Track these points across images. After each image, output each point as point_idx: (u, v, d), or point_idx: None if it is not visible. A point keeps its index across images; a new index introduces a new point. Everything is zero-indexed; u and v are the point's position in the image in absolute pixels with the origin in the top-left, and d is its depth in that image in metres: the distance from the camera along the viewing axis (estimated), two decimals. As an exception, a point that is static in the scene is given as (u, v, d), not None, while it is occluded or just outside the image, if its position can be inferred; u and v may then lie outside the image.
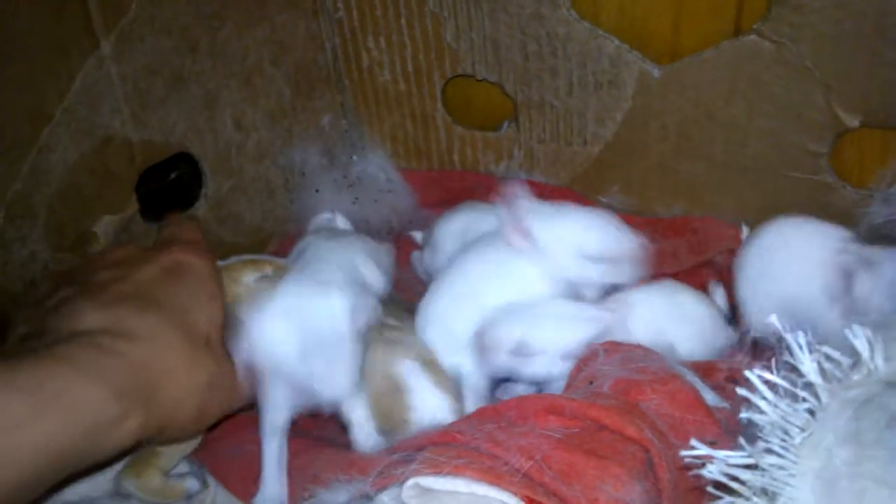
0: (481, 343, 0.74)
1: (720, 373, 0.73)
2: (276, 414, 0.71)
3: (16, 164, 0.74)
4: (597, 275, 0.79)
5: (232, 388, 0.66)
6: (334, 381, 0.68)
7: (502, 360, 0.73)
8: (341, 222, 1.00)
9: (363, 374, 0.72)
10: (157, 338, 0.60)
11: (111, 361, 0.55)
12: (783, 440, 0.46)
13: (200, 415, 0.64)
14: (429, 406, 0.72)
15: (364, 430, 0.73)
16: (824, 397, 0.46)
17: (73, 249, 0.81)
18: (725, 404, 0.68)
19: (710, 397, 0.67)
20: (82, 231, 0.82)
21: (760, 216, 0.93)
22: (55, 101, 0.76)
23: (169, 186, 0.99)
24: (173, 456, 0.71)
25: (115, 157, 0.83)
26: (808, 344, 0.46)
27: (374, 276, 0.85)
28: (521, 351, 0.73)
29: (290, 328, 0.68)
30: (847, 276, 0.72)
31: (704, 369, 0.74)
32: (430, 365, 0.75)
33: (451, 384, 0.75)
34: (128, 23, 0.82)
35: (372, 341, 0.75)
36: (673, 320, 0.80)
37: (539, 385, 0.77)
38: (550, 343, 0.73)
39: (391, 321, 0.80)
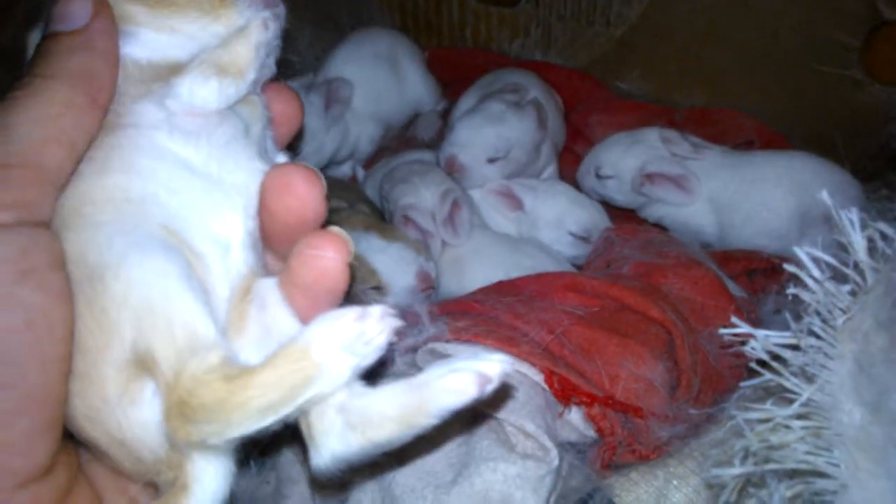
0: None
1: (737, 263, 0.72)
2: None
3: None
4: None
5: None
6: None
7: None
8: None
9: None
10: None
11: None
12: (825, 321, 0.45)
13: None
14: (389, 259, 0.73)
15: None
16: (870, 278, 0.44)
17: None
18: (744, 294, 0.67)
19: (729, 286, 0.65)
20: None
21: (784, 109, 0.90)
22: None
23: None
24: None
25: None
26: (861, 220, 0.44)
27: None
28: None
29: None
30: None
31: (721, 259, 0.72)
32: (375, 226, 0.76)
33: (402, 233, 0.77)
34: None
35: None
36: None
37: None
38: None
39: (334, 203, 0.80)
